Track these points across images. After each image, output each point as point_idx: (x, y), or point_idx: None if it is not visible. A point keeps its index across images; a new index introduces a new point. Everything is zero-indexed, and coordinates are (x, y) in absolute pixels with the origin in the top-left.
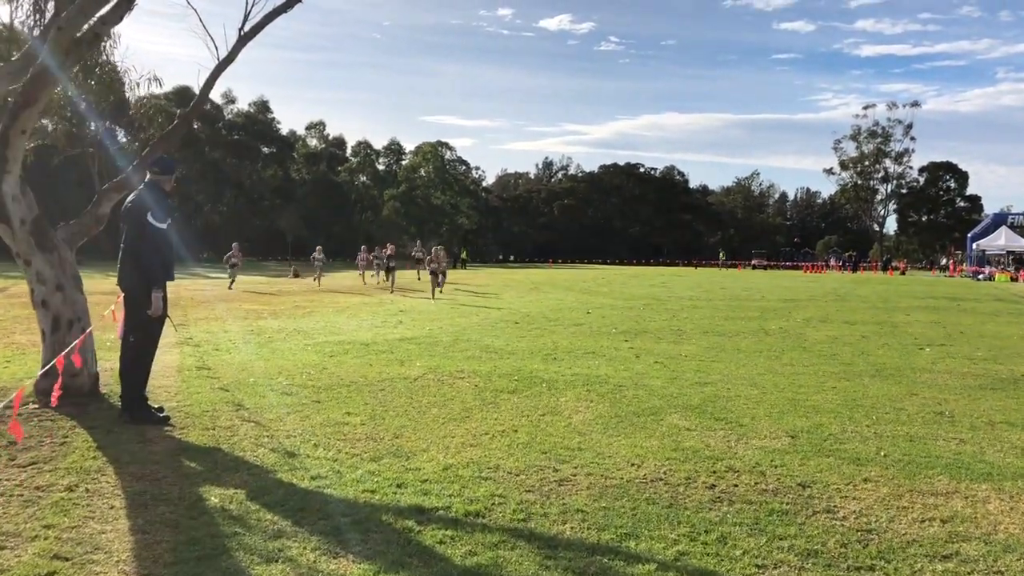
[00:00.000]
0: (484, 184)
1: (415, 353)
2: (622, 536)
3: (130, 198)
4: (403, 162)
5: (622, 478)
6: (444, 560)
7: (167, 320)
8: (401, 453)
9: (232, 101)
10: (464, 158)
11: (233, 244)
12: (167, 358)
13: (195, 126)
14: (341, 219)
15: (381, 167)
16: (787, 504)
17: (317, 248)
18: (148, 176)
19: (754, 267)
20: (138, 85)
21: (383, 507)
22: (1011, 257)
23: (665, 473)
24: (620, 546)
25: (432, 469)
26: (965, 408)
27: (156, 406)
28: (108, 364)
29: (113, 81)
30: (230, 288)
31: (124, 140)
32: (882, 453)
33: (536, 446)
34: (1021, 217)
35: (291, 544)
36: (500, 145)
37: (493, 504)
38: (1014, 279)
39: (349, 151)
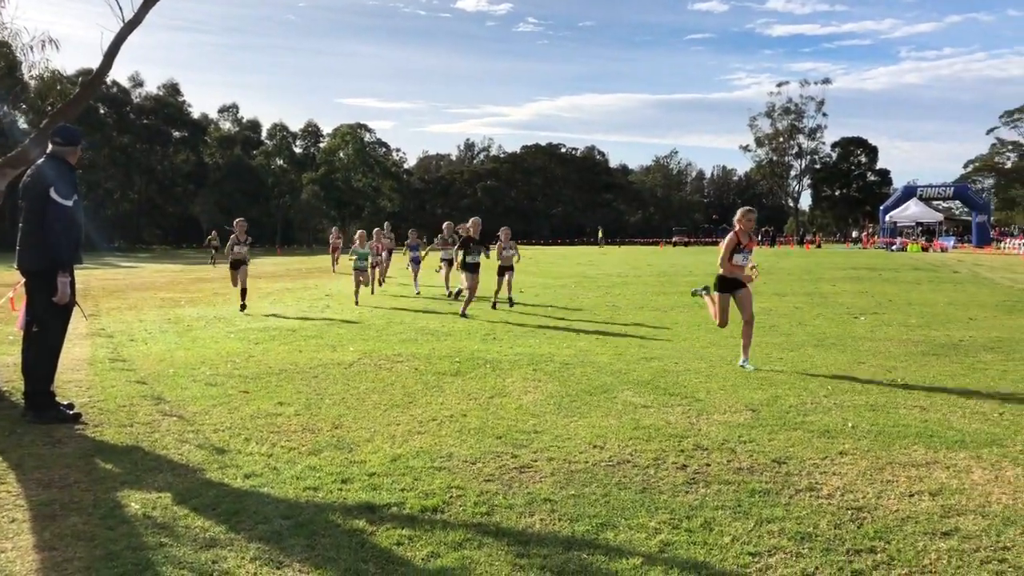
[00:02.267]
0: (406, 166)
1: (347, 337)
2: (598, 527)
3: (29, 172)
4: (321, 145)
5: (587, 461)
6: (405, 564)
7: (75, 307)
8: (343, 445)
9: (140, 84)
10: (384, 140)
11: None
12: (77, 350)
13: (101, 111)
14: (258, 204)
15: (298, 150)
16: (767, 483)
17: (212, 233)
18: (50, 148)
19: (675, 244)
20: (31, 49)
21: (328, 506)
22: (920, 228)
23: (631, 454)
24: (597, 538)
25: (379, 461)
26: (916, 375)
27: (65, 403)
28: (10, 359)
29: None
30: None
31: (19, 112)
32: (850, 424)
33: (489, 431)
34: (929, 189)
35: (226, 554)
36: (421, 127)
37: (451, 497)
38: (925, 249)
39: (264, 134)
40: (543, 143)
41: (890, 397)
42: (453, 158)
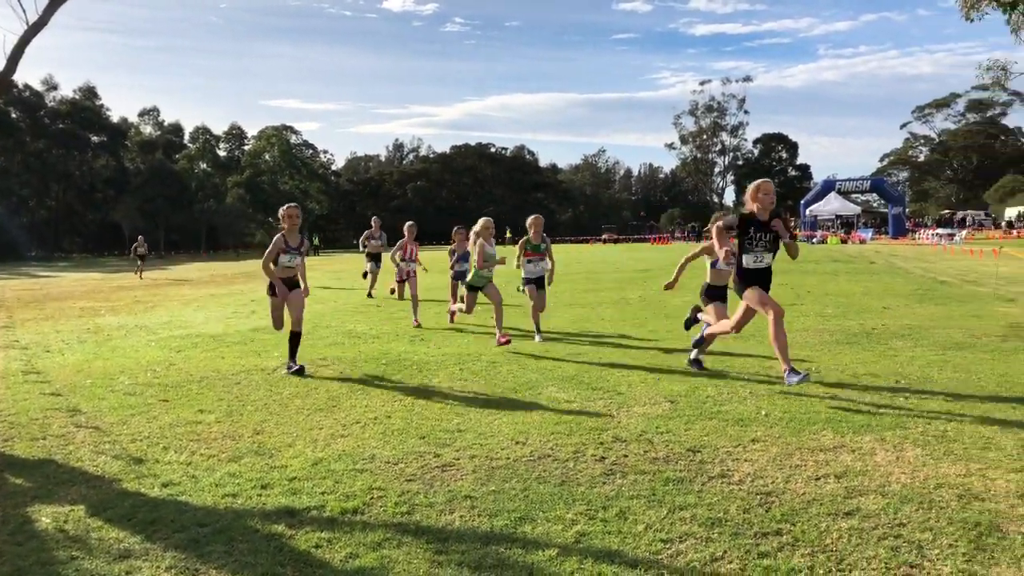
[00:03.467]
0: (334, 168)
1: (271, 344)
2: (516, 521)
3: None
4: (246, 147)
5: (508, 457)
6: (322, 566)
7: None
8: (264, 451)
9: (54, 87)
10: (311, 142)
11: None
12: None
13: (13, 115)
14: (182, 209)
15: (223, 153)
16: (681, 471)
17: (139, 239)
18: None
19: (605, 241)
20: None
21: (247, 512)
22: (839, 220)
23: (552, 448)
24: (515, 532)
25: (300, 465)
26: (829, 363)
27: None
28: None
29: None
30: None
31: None
32: (763, 412)
33: (413, 431)
34: (848, 183)
35: (141, 564)
36: (348, 128)
37: (372, 498)
38: (844, 241)
39: (187, 138)
40: (473, 143)
41: (804, 386)
42: (382, 159)
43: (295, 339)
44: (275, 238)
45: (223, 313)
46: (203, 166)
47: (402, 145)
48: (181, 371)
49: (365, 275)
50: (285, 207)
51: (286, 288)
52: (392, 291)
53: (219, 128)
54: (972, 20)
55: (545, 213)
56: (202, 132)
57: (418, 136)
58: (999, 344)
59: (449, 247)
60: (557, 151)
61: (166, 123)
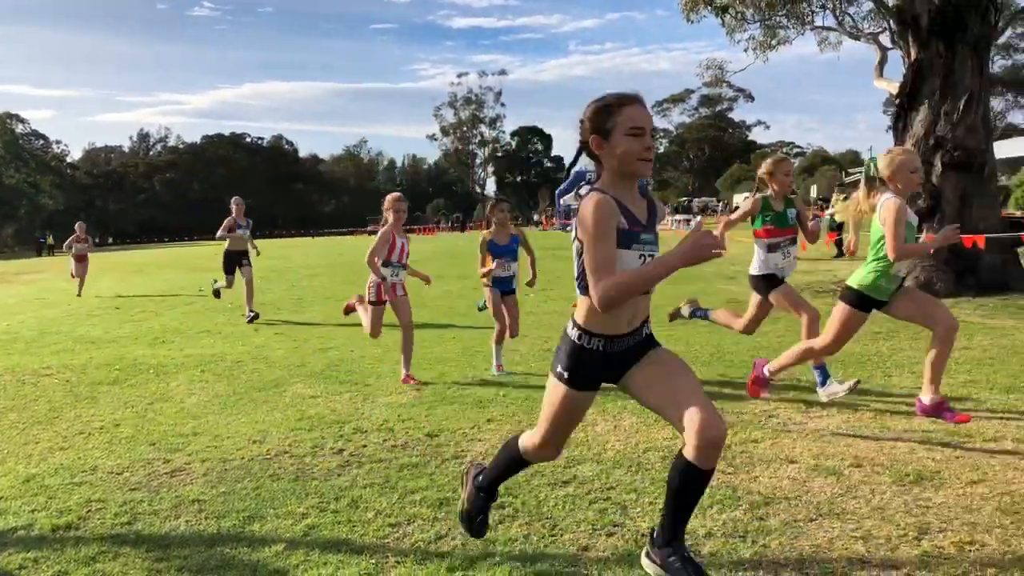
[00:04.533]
0: (69, 160)
1: None
2: (245, 520)
3: None
4: None
5: (243, 457)
6: None
7: None
8: None
9: None
10: (42, 131)
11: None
12: None
13: None
14: None
15: None
16: (417, 457)
17: None
18: None
19: (370, 233)
20: None
21: None
22: None
23: (290, 445)
24: (243, 531)
25: (9, 484)
26: None
27: None
28: None
29: None
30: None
31: None
32: (502, 393)
33: (143, 438)
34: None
35: None
36: (88, 117)
37: (89, 511)
38: None
39: None
40: (227, 132)
41: (542, 365)
42: (126, 150)
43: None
44: None
45: None
46: None
47: (148, 135)
48: None
49: (217, 293)
50: None
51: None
52: (347, 311)
53: None
54: (692, 22)
55: (306, 205)
56: None
57: (166, 125)
58: None
59: (483, 234)
60: (318, 141)
61: None
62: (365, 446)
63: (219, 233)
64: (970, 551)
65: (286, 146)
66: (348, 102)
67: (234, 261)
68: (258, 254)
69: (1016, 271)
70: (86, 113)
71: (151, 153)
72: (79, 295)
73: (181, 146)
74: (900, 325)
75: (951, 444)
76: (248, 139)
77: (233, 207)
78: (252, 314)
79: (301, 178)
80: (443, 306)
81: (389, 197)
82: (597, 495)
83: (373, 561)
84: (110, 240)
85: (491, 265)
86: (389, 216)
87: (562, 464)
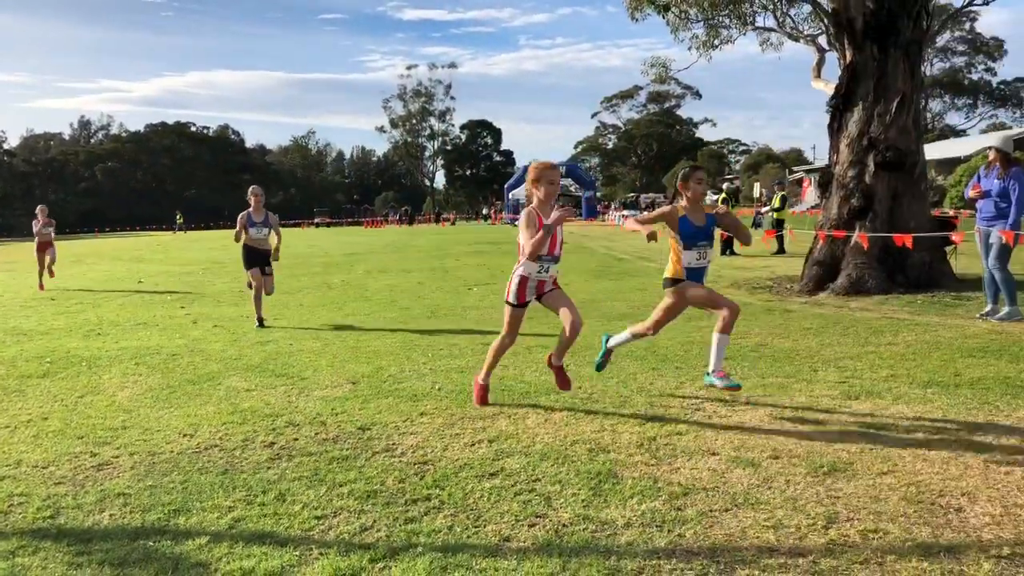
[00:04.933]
0: (6, 147)
1: None
2: (170, 513)
3: None
4: None
5: (172, 451)
6: None
7: None
8: None
9: None
10: None
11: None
12: None
13: None
14: None
15: None
16: (347, 450)
17: None
18: None
19: (317, 225)
20: None
21: None
22: None
23: (221, 438)
24: (168, 525)
25: None
26: None
27: None
28: None
29: None
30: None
31: None
32: (437, 387)
33: (71, 432)
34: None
35: None
36: (24, 103)
37: (11, 506)
38: None
39: None
40: (171, 121)
41: (480, 359)
42: (66, 137)
43: None
44: None
45: None
46: None
47: (89, 123)
48: None
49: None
50: None
51: None
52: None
53: None
54: (637, 20)
55: None
56: None
57: (108, 113)
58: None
59: (668, 210)
60: (265, 132)
61: None
62: (296, 439)
63: (236, 232)
64: (874, 539)
65: (232, 136)
66: (296, 92)
67: (253, 259)
68: (276, 259)
69: (944, 269)
70: (23, 99)
71: (92, 141)
72: (42, 288)
73: (124, 134)
74: (830, 322)
75: (867, 436)
76: (193, 128)
77: (251, 199)
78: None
79: (248, 169)
80: (385, 299)
81: (537, 165)
82: (523, 487)
83: (297, 553)
84: None
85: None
86: (537, 191)
87: (491, 457)
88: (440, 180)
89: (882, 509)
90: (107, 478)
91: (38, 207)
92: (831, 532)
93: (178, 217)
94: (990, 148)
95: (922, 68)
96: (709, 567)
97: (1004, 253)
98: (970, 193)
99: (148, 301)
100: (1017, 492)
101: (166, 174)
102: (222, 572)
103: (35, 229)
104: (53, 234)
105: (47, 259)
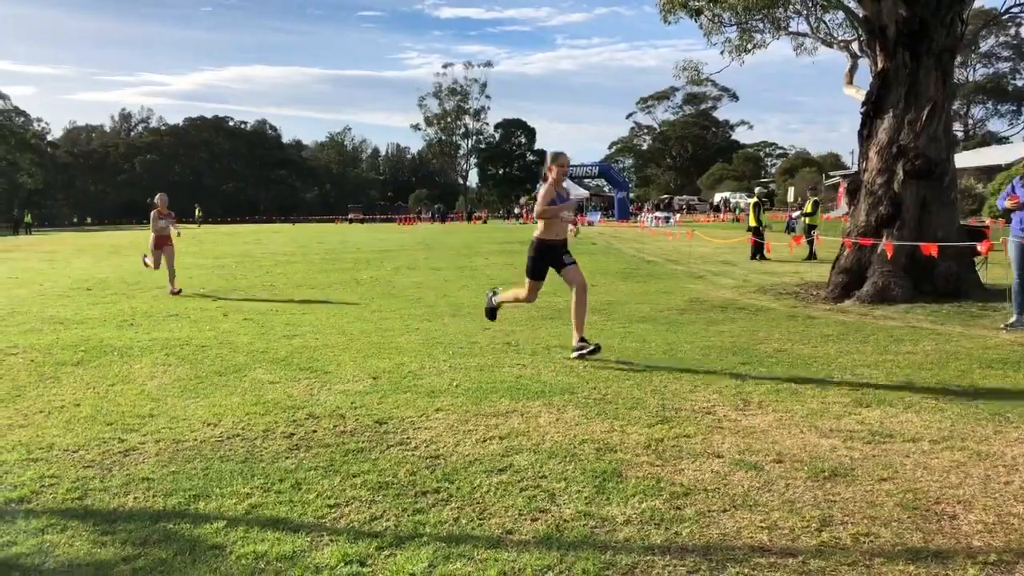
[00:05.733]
0: (50, 138)
1: None
2: (191, 498)
3: None
4: None
5: (196, 439)
6: None
7: None
8: None
9: None
10: (23, 109)
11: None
12: None
13: None
14: None
15: None
16: (363, 442)
17: None
18: None
19: (351, 221)
20: None
21: None
22: None
23: (243, 428)
24: (188, 508)
25: None
26: (528, 337)
27: None
28: None
29: None
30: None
31: None
32: (455, 384)
33: (101, 418)
34: (579, 168)
35: None
36: (68, 95)
37: (42, 487)
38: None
39: None
40: (209, 115)
41: (499, 358)
42: (107, 129)
43: None
44: None
45: None
46: None
47: (130, 115)
48: None
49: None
50: None
51: None
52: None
53: None
54: (670, 23)
55: (289, 191)
56: None
57: (148, 106)
58: (676, 317)
59: None
60: (301, 127)
61: None
62: (315, 431)
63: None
64: (864, 542)
65: (269, 131)
66: (333, 88)
67: None
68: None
69: (971, 278)
70: (67, 91)
71: (133, 134)
72: (176, 292)
73: (163, 128)
74: (851, 330)
75: (872, 443)
76: (231, 123)
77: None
78: None
79: (284, 164)
80: (412, 296)
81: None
82: (529, 483)
83: (308, 539)
84: (89, 221)
85: None
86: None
87: (501, 453)
88: (473, 178)
89: (877, 514)
90: (133, 463)
91: (158, 195)
92: (823, 534)
93: (196, 211)
94: None
95: (956, 75)
96: (701, 564)
97: None
98: (1007, 203)
99: (181, 293)
100: (1014, 501)
101: (204, 168)
102: (236, 554)
103: (153, 222)
104: (173, 229)
105: (163, 258)
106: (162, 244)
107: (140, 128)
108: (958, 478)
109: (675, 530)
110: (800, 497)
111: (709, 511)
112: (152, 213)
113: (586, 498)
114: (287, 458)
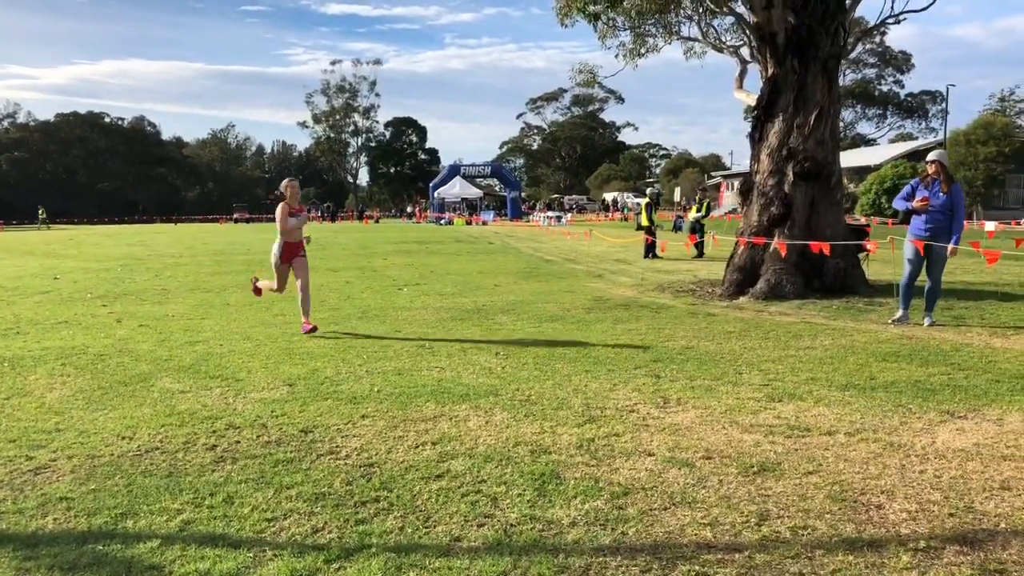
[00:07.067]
0: None
1: None
2: (117, 517)
3: None
4: None
5: (112, 454)
6: None
7: None
8: None
9: None
10: None
11: None
12: None
13: None
14: None
15: None
16: (292, 452)
17: None
18: None
19: (236, 220)
20: None
21: None
22: (465, 203)
23: (161, 441)
24: (116, 528)
25: None
26: (442, 339)
27: None
28: None
29: None
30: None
31: None
32: (376, 389)
33: (1, 435)
34: (471, 168)
35: None
36: None
37: None
38: (468, 222)
39: None
40: (83, 111)
41: (416, 361)
42: None
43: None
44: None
45: None
46: None
47: None
48: None
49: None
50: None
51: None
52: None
53: None
54: (566, 26)
55: (170, 190)
56: None
57: (15, 101)
58: (584, 315)
59: None
60: (183, 124)
61: None
62: (239, 442)
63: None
64: (803, 535)
65: (148, 128)
66: (215, 84)
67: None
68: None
69: (857, 274)
70: None
71: None
72: (311, 330)
73: (32, 123)
74: (751, 326)
75: (792, 437)
76: (107, 119)
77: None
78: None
79: (163, 161)
80: (314, 299)
81: (286, 181)
82: (469, 488)
83: (251, 555)
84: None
85: None
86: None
87: (436, 459)
88: (364, 177)
89: (809, 507)
90: (46, 482)
91: (284, 181)
92: (764, 529)
93: (40, 212)
94: (932, 161)
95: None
96: (652, 563)
97: (944, 266)
98: (915, 205)
99: (67, 299)
100: (931, 489)
101: (78, 165)
102: (177, 574)
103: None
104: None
105: (292, 277)
106: (293, 254)
107: (6, 123)
108: (877, 469)
109: (621, 530)
110: (735, 493)
111: (651, 510)
112: (279, 208)
113: (528, 501)
114: (214, 471)
